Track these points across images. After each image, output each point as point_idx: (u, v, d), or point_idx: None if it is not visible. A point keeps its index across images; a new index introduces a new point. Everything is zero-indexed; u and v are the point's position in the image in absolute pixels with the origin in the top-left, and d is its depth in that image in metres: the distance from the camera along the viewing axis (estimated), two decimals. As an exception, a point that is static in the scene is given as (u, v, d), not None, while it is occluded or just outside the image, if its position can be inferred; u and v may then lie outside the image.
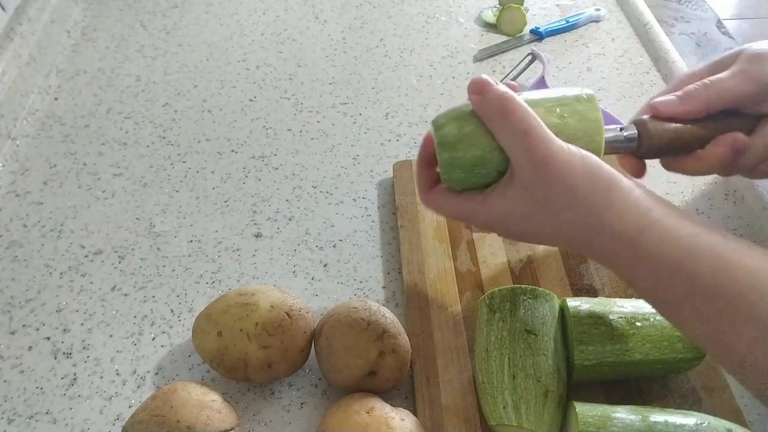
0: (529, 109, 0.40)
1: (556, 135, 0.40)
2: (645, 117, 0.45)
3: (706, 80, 0.45)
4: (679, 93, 0.45)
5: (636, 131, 0.45)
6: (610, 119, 0.72)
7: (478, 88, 0.41)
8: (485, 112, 0.41)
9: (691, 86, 0.45)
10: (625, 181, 0.40)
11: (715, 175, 0.69)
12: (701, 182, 0.70)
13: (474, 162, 0.41)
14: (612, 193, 0.39)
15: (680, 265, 0.37)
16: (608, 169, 0.40)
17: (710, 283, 0.36)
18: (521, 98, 0.41)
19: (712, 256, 0.37)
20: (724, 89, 0.45)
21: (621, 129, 0.45)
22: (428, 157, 0.46)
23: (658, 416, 0.44)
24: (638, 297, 0.42)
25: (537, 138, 0.39)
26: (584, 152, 0.40)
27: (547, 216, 0.40)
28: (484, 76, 0.41)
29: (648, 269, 0.38)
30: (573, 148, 0.40)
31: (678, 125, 0.45)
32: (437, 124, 0.43)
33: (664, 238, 0.38)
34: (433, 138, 0.44)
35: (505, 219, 0.42)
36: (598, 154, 0.42)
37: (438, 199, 0.45)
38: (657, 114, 0.45)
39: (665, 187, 0.69)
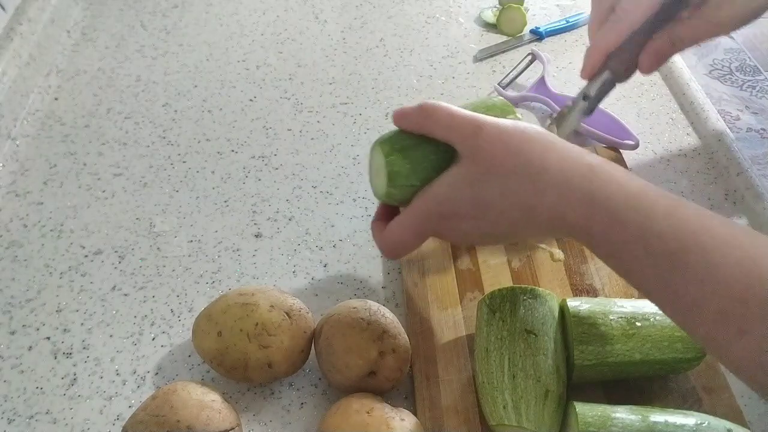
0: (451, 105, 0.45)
1: None
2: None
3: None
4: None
5: (612, 78, 0.56)
6: (612, 122, 0.72)
7: (398, 115, 0.46)
8: (413, 124, 0.45)
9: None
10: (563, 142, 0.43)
11: (714, 176, 0.69)
12: (701, 182, 0.70)
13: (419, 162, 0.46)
14: (549, 145, 0.42)
15: (640, 232, 0.39)
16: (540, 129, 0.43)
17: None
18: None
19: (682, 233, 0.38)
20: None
21: (603, 83, 0.56)
22: (385, 214, 0.51)
23: (658, 416, 0.44)
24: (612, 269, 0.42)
25: (464, 115, 0.43)
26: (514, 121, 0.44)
27: (495, 178, 0.42)
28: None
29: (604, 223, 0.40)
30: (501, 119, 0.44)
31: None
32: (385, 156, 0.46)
33: (610, 183, 0.40)
34: (378, 165, 0.47)
35: (455, 196, 0.43)
36: None
37: (395, 223, 0.47)
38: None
39: (664, 188, 0.69)
